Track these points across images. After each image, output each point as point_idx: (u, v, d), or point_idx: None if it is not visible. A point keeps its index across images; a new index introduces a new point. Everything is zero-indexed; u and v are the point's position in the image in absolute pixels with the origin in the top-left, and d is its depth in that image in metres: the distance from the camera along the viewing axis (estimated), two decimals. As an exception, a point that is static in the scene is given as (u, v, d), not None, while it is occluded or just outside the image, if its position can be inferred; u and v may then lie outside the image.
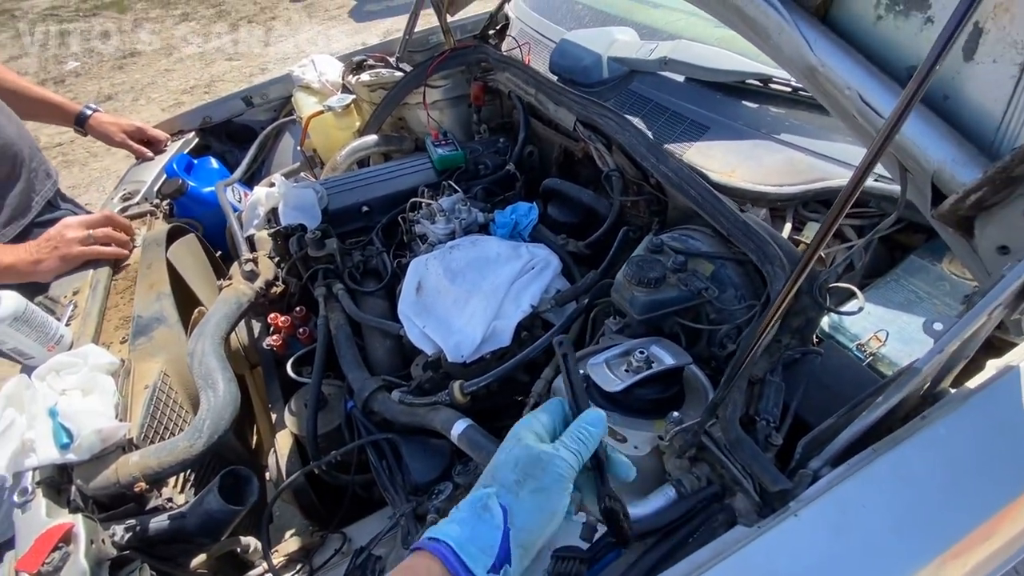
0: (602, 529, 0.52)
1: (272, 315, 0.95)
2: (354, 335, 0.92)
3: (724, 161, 0.89)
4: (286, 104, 1.75)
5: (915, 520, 0.51)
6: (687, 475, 0.57)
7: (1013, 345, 0.64)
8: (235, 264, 0.97)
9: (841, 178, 0.80)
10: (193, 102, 5.29)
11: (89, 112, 1.40)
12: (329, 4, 7.54)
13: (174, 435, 0.84)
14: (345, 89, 1.57)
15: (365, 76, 1.51)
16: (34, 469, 0.70)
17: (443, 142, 1.21)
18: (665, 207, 0.94)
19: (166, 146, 1.52)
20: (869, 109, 0.57)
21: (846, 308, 0.68)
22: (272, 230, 1.02)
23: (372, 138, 1.41)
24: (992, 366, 0.61)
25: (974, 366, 0.61)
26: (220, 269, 1.25)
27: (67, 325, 0.91)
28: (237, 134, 1.75)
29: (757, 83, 0.92)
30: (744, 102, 0.93)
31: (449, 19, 1.63)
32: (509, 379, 0.79)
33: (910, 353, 0.69)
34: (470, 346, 0.81)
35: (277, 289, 0.98)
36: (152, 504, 0.76)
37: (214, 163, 1.50)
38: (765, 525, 0.50)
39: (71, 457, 0.70)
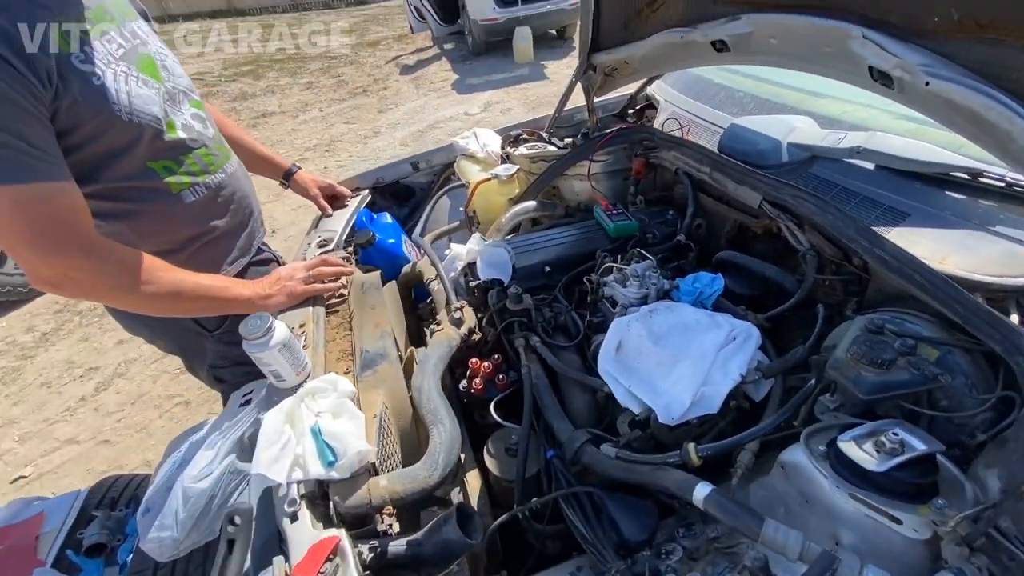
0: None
1: (472, 360, 1.03)
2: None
3: (932, 248, 0.90)
4: (444, 170, 1.95)
5: None
6: (967, 564, 0.56)
7: None
8: (443, 311, 1.08)
9: (1076, 273, 0.79)
10: (315, 158, 5.92)
11: (295, 169, 1.63)
12: (434, 78, 8.34)
13: (390, 463, 0.92)
14: (505, 159, 1.74)
15: (524, 149, 1.67)
16: (300, 482, 0.80)
17: (614, 212, 1.31)
18: (864, 288, 0.95)
19: (348, 202, 1.73)
20: None
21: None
22: (474, 283, 1.13)
23: (532, 203, 1.54)
24: None
25: None
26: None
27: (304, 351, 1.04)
28: (398, 193, 1.96)
29: (965, 176, 0.95)
30: (948, 192, 0.95)
31: (595, 100, 1.79)
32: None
33: None
34: (679, 409, 0.84)
35: (476, 337, 1.08)
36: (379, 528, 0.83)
37: (388, 218, 1.68)
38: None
39: (333, 475, 0.78)
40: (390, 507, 0.78)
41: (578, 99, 1.80)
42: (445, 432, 0.85)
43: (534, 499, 0.88)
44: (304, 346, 1.06)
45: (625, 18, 1.46)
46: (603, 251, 1.20)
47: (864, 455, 0.64)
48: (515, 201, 1.61)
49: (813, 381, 0.81)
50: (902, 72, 0.84)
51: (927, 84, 0.79)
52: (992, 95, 0.73)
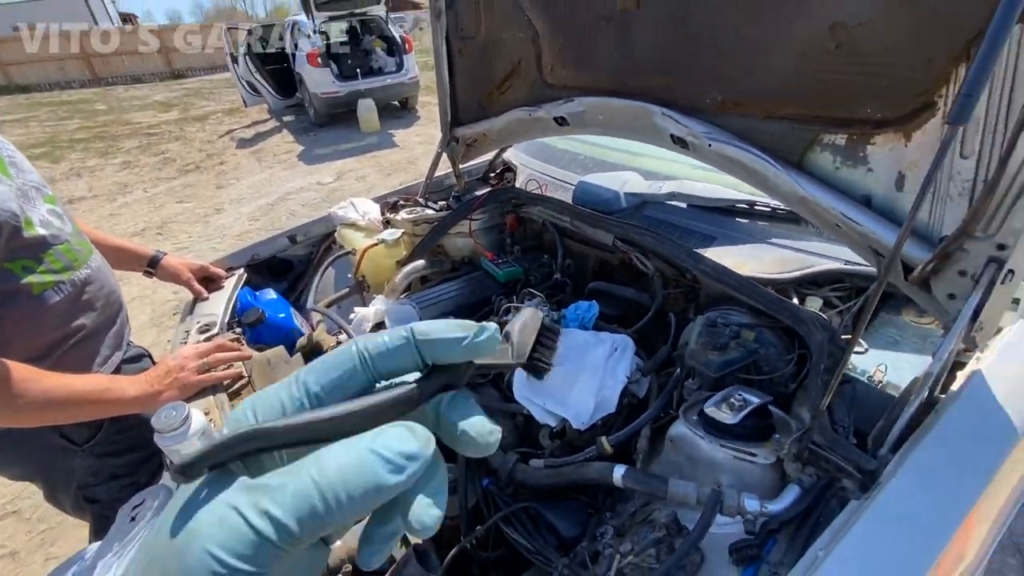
0: (761, 521, 0.72)
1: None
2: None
3: (735, 260, 1.23)
4: (323, 241, 1.97)
5: (951, 469, 0.76)
6: (803, 474, 0.79)
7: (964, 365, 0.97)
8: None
9: (821, 265, 1.16)
10: (145, 243, 5.29)
11: (161, 255, 1.54)
12: (276, 150, 8.09)
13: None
14: (387, 224, 1.84)
15: (405, 213, 1.80)
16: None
17: (500, 261, 1.49)
18: (698, 296, 1.24)
19: (224, 283, 1.66)
20: (850, 221, 0.92)
21: (857, 351, 0.98)
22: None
23: (421, 262, 1.66)
24: (961, 376, 0.92)
25: (951, 379, 0.92)
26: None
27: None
28: (275, 268, 1.92)
29: (745, 206, 1.31)
30: (737, 219, 1.31)
31: (461, 167, 2.01)
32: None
33: (904, 377, 0.99)
34: (587, 414, 1.01)
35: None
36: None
37: (272, 294, 1.65)
38: (871, 496, 0.73)
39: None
40: (348, 566, 0.80)
41: (444, 167, 2.00)
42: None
43: (478, 527, 0.96)
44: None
45: (479, 98, 1.72)
46: (497, 295, 1.36)
47: (723, 414, 0.87)
48: (403, 263, 1.72)
49: (678, 370, 1.04)
50: (692, 138, 1.16)
51: (710, 145, 1.12)
52: (750, 151, 1.07)
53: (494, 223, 1.72)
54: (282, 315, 1.50)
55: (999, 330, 0.97)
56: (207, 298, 1.58)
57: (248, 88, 8.72)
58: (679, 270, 1.24)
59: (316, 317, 1.58)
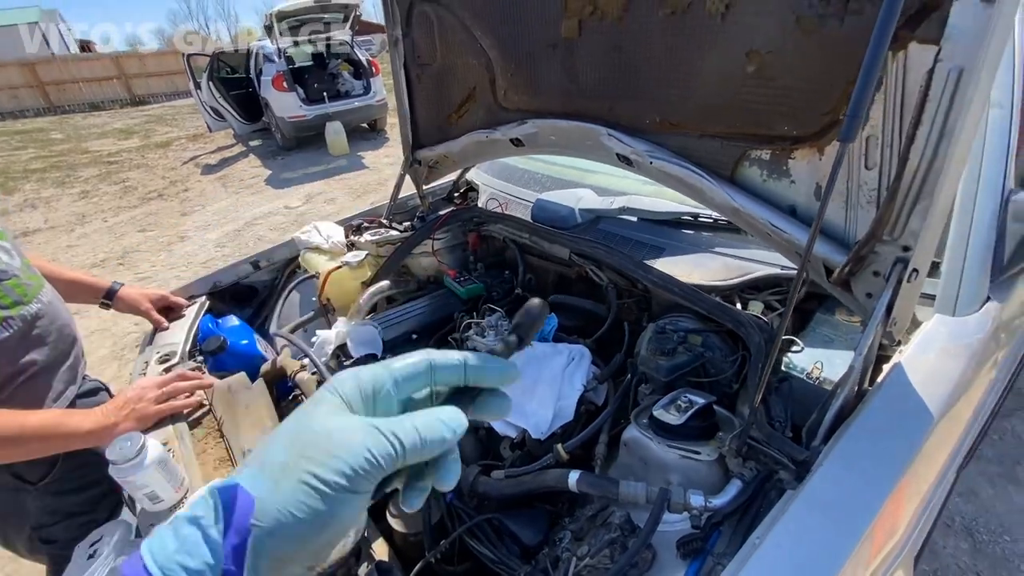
0: (706, 515, 0.77)
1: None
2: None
3: (682, 269, 1.30)
4: (287, 265, 1.98)
5: (874, 454, 0.82)
6: (743, 469, 0.84)
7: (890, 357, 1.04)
8: (324, 393, 1.13)
9: (761, 271, 1.23)
10: (106, 274, 5.14)
11: (117, 287, 1.52)
12: (243, 175, 8.00)
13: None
14: (351, 247, 1.86)
15: (369, 235, 1.83)
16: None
17: (462, 279, 1.53)
18: (650, 304, 1.30)
19: (184, 312, 1.65)
20: (777, 229, 1.00)
21: (794, 350, 1.05)
22: (348, 362, 1.21)
23: (385, 283, 1.68)
24: (884, 369, 0.99)
25: (877, 372, 0.99)
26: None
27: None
28: (239, 294, 1.92)
29: (690, 218, 1.39)
30: (684, 230, 1.38)
31: (424, 187, 2.05)
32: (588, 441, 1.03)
33: (839, 373, 1.06)
34: (546, 423, 1.04)
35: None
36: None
37: (235, 320, 1.65)
38: (804, 484, 0.78)
39: None
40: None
41: (409, 188, 2.04)
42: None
43: (443, 541, 0.97)
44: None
45: (438, 122, 1.77)
46: (460, 312, 1.40)
47: (670, 416, 0.91)
48: (368, 284, 1.74)
49: (630, 376, 1.09)
50: (635, 156, 1.23)
51: (651, 163, 1.19)
52: (688, 167, 1.15)
53: (457, 242, 1.76)
54: (244, 342, 1.50)
55: (919, 324, 1.06)
56: (167, 328, 1.57)
57: (212, 113, 8.63)
58: (631, 280, 1.29)
59: (280, 342, 1.59)
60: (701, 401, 0.94)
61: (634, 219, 1.48)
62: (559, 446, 0.97)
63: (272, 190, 7.10)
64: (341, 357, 1.26)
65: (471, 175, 2.22)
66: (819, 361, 1.08)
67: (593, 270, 1.35)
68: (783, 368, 1.08)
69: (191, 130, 11.46)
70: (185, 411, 1.16)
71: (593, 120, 1.29)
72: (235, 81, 8.77)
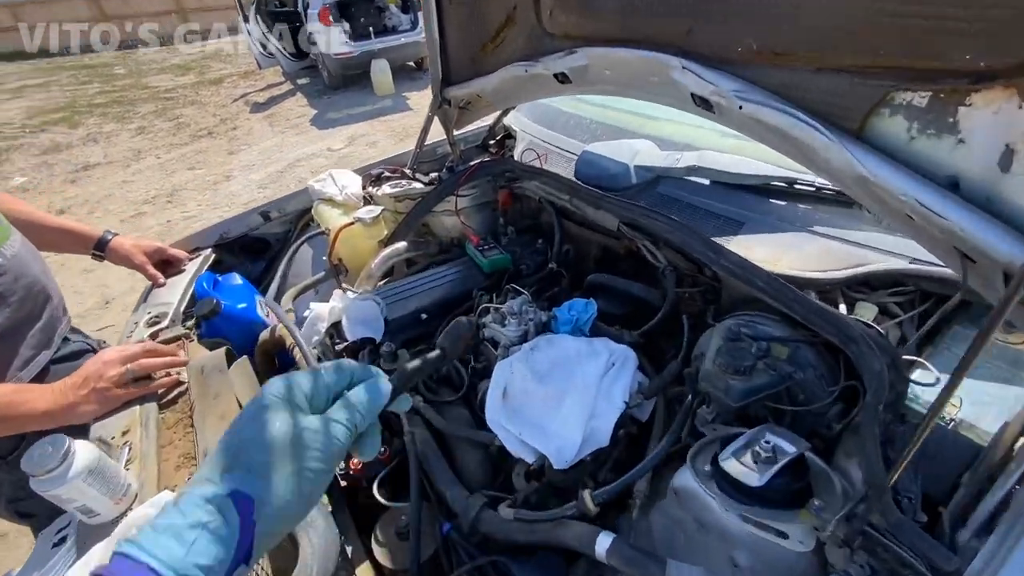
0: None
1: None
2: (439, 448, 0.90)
3: (767, 253, 0.99)
4: (301, 217, 1.79)
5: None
6: (852, 565, 0.59)
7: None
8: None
9: (879, 263, 0.91)
10: (155, 211, 5.23)
11: (109, 236, 1.37)
12: (289, 114, 7.89)
13: (259, 582, 0.77)
14: (368, 200, 1.64)
15: (388, 188, 1.59)
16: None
17: (485, 247, 1.28)
18: (719, 296, 1.02)
19: (185, 266, 1.50)
20: (928, 211, 0.68)
21: (924, 381, 0.75)
22: (341, 346, 1.01)
23: (402, 245, 1.46)
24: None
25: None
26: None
27: (126, 470, 0.84)
28: (250, 247, 1.75)
29: (782, 184, 1.06)
30: (772, 200, 1.06)
31: (455, 133, 1.78)
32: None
33: (985, 414, 0.76)
34: (572, 449, 0.81)
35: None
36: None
37: (238, 279, 1.49)
38: (948, 606, 0.52)
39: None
40: None
41: (440, 133, 1.77)
42: (317, 536, 0.72)
43: (435, 582, 0.79)
44: (128, 461, 0.86)
45: (471, 54, 1.46)
46: (479, 290, 1.16)
47: (744, 470, 0.66)
48: (384, 244, 1.52)
49: (690, 397, 0.83)
50: (719, 98, 0.91)
51: (740, 107, 0.87)
52: (794, 114, 0.82)
53: (485, 200, 1.50)
54: (242, 305, 1.33)
55: None
56: (163, 284, 1.43)
57: (262, 50, 8.46)
58: (696, 264, 1.01)
59: (283, 307, 1.41)
60: (790, 450, 0.67)
61: (706, 182, 1.16)
62: (587, 494, 0.73)
63: (316, 131, 6.97)
64: (335, 337, 1.06)
65: (510, 119, 1.91)
66: (957, 397, 0.78)
67: (647, 246, 1.07)
68: (907, 402, 0.79)
69: (243, 67, 11.39)
70: (160, 391, 1.00)
71: (662, 48, 0.97)
72: (283, 15, 8.51)
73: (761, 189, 1.08)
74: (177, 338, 1.20)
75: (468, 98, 1.57)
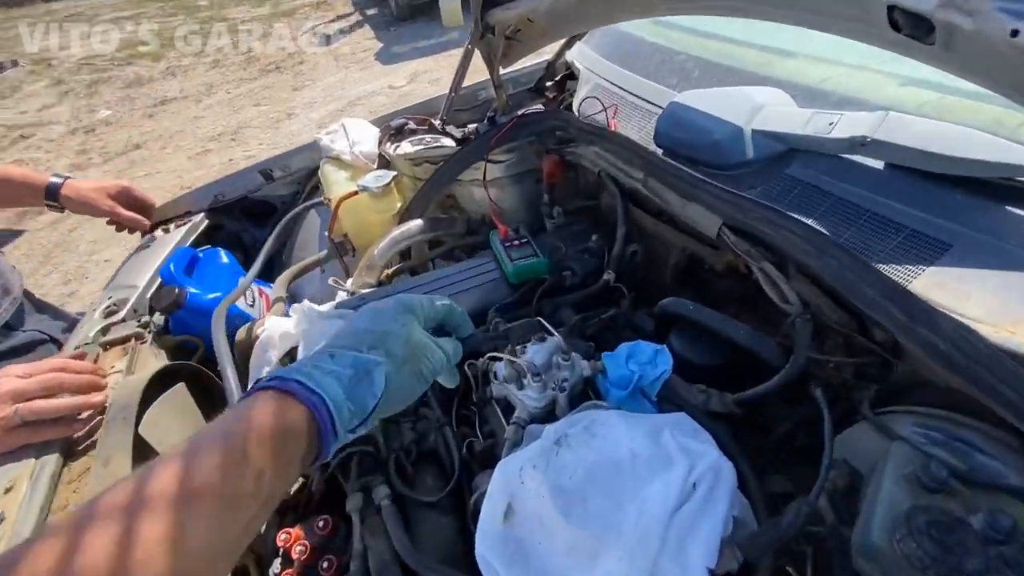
0: None
1: (284, 531, 0.63)
2: None
3: (992, 305, 0.55)
4: (311, 176, 1.49)
5: None
6: None
7: None
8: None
9: None
10: (220, 148, 5.21)
11: (59, 181, 1.12)
12: (355, 48, 7.58)
13: None
14: (382, 161, 1.30)
15: (407, 146, 1.24)
16: None
17: (515, 242, 0.91)
18: (887, 374, 0.60)
19: (167, 226, 1.26)
20: None
21: None
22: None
23: (417, 224, 1.12)
24: None
25: None
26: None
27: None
28: (253, 209, 1.49)
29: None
30: (1011, 208, 0.60)
31: (502, 71, 1.35)
32: None
33: None
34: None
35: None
36: None
37: (223, 257, 1.23)
38: None
39: None
40: None
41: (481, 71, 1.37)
42: None
43: None
44: (-7, 538, 0.63)
45: (517, -46, 1.03)
46: (496, 311, 0.80)
47: None
48: (400, 219, 1.19)
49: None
50: (956, 15, 0.46)
51: (1014, 34, 0.42)
52: None
53: (527, 167, 1.11)
54: (215, 294, 1.06)
55: None
56: (147, 227, 1.20)
57: (330, -24, 8.07)
58: (856, 318, 0.59)
59: (275, 293, 1.14)
60: None
61: (878, 165, 0.70)
62: None
63: (380, 66, 6.62)
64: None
65: (573, 54, 1.46)
66: None
67: (766, 270, 0.65)
68: None
69: (315, -3, 11.12)
70: (73, 430, 0.75)
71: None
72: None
73: (985, 187, 0.61)
74: (127, 338, 0.96)
75: (517, 23, 1.14)
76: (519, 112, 1.06)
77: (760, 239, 0.66)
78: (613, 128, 1.05)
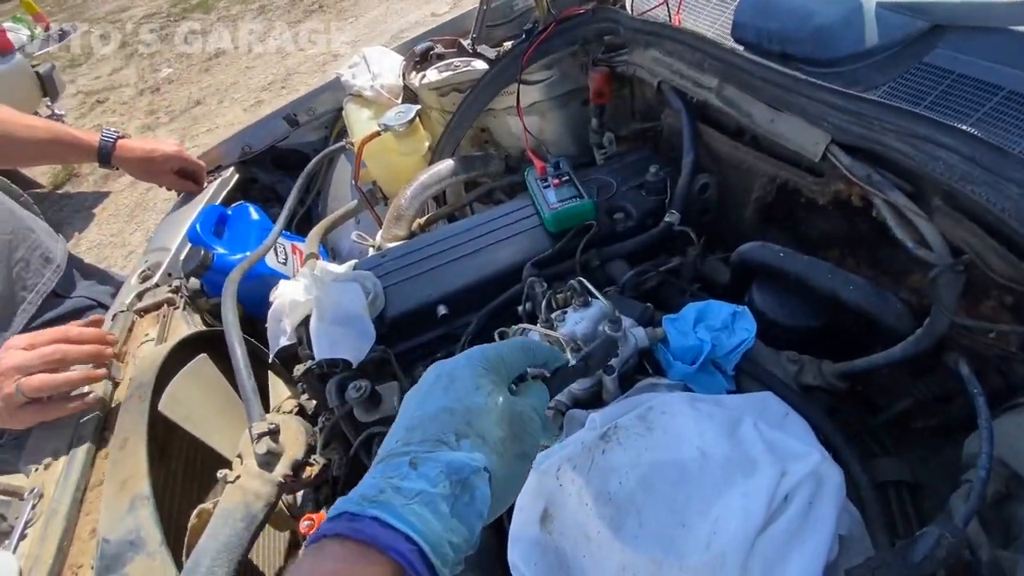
0: None
1: (305, 518, 0.58)
2: None
3: None
4: (338, 118, 1.37)
5: None
6: None
7: None
8: (244, 436, 0.60)
9: None
10: (272, 98, 5.22)
11: (110, 141, 1.07)
12: (397, -24, 7.16)
13: None
14: (408, 94, 1.15)
15: (433, 74, 1.08)
16: None
17: (554, 180, 0.75)
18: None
19: (203, 185, 1.21)
20: None
21: None
22: (303, 367, 0.64)
23: (447, 165, 0.99)
24: None
25: None
26: (267, 372, 0.90)
27: (20, 541, 0.60)
28: (285, 159, 1.41)
29: None
30: None
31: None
32: None
33: None
34: None
35: (313, 469, 0.61)
36: None
37: (253, 213, 1.16)
38: None
39: None
40: None
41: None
42: None
43: None
44: (29, 522, 0.62)
45: None
46: (533, 265, 0.67)
47: None
48: (432, 159, 1.07)
49: None
50: None
51: None
52: None
53: (571, 87, 0.92)
54: (241, 255, 1.01)
55: None
56: (200, 190, 1.17)
57: None
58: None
59: (310, 247, 1.07)
60: None
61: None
62: None
63: (423, -7, 6.23)
64: (304, 342, 0.68)
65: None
66: None
67: (896, 203, 0.47)
68: None
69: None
70: (82, 406, 0.71)
71: None
72: None
73: None
74: (159, 304, 0.93)
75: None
76: (564, 15, 0.86)
77: (888, 159, 0.48)
78: (677, 24, 0.83)
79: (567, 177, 0.75)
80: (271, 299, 0.72)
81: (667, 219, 0.69)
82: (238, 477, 0.57)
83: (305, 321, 0.68)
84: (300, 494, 0.69)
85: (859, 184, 0.49)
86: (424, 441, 0.31)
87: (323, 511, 0.61)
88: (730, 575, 0.38)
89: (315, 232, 1.10)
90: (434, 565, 0.28)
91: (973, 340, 0.47)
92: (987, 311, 0.45)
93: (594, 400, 0.53)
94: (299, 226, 1.33)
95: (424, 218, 1.02)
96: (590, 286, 0.56)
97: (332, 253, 1.32)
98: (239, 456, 0.60)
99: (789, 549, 0.39)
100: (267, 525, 0.60)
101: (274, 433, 0.58)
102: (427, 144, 1.08)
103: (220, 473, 0.58)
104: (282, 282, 0.72)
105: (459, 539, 0.29)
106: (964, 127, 0.42)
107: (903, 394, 0.57)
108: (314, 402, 0.67)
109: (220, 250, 1.02)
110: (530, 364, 0.40)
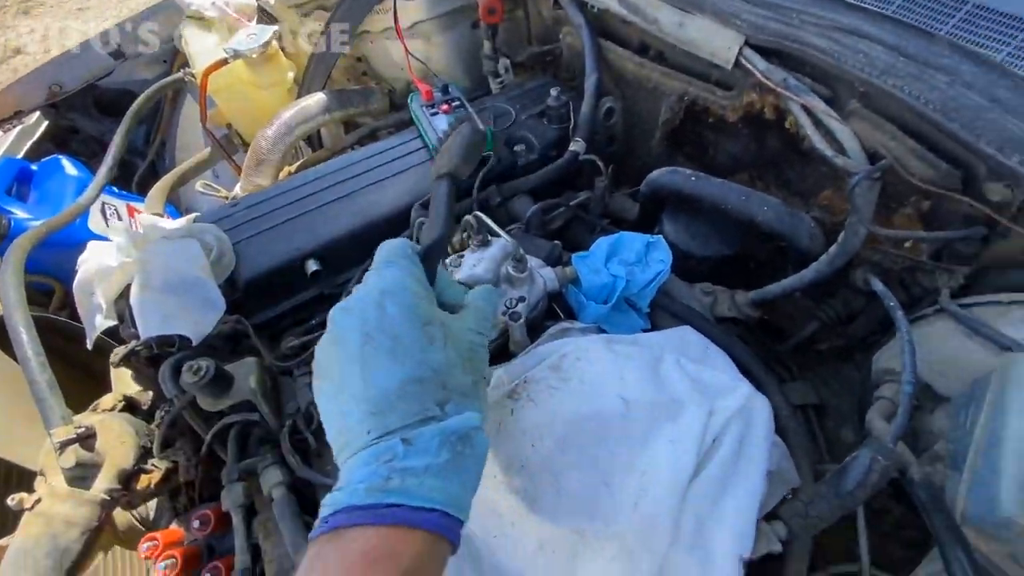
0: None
1: (147, 538, 0.45)
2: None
3: None
4: (177, 52, 1.12)
5: None
6: None
7: None
8: (44, 448, 0.45)
9: None
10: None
11: None
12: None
13: None
14: (264, 15, 0.95)
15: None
16: None
17: (443, 106, 0.64)
18: (981, 251, 0.41)
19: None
20: None
21: None
22: (123, 350, 0.49)
23: (317, 100, 0.83)
24: None
25: None
26: (90, 364, 0.72)
27: None
28: (113, 103, 1.14)
29: None
30: None
31: None
32: None
33: None
34: None
35: (152, 476, 0.47)
36: None
37: (70, 167, 0.92)
38: None
39: None
40: None
41: None
42: None
43: None
44: None
45: None
46: (421, 207, 0.57)
47: None
48: (299, 93, 0.90)
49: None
50: None
51: None
52: None
53: (459, 3, 0.80)
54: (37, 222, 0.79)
55: None
56: None
57: None
58: (967, 171, 0.38)
59: (153, 207, 0.86)
60: None
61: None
62: None
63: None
64: (127, 320, 0.53)
65: None
66: None
67: (811, 107, 0.43)
68: None
69: None
70: None
71: None
72: None
73: None
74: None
75: None
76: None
77: (805, 62, 0.43)
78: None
79: (458, 102, 0.65)
80: (76, 267, 0.54)
81: (572, 148, 0.61)
82: (38, 502, 0.42)
83: (126, 292, 0.52)
84: (152, 505, 0.56)
85: (774, 88, 0.44)
86: (406, 425, 0.29)
87: (175, 525, 0.48)
88: (661, 537, 0.33)
89: (157, 189, 0.90)
90: (462, 521, 0.29)
91: (883, 255, 0.46)
92: (901, 221, 0.43)
93: (498, 354, 0.45)
94: (142, 184, 1.09)
95: (295, 165, 0.86)
96: (489, 221, 0.47)
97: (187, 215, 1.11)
98: (40, 474, 0.45)
99: (723, 494, 0.35)
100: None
101: (86, 439, 0.44)
102: (291, 76, 0.91)
103: (12, 500, 0.43)
104: (90, 244, 0.54)
105: (472, 486, 0.30)
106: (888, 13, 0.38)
107: (809, 318, 0.56)
108: (150, 394, 0.53)
109: (21, 214, 0.79)
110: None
